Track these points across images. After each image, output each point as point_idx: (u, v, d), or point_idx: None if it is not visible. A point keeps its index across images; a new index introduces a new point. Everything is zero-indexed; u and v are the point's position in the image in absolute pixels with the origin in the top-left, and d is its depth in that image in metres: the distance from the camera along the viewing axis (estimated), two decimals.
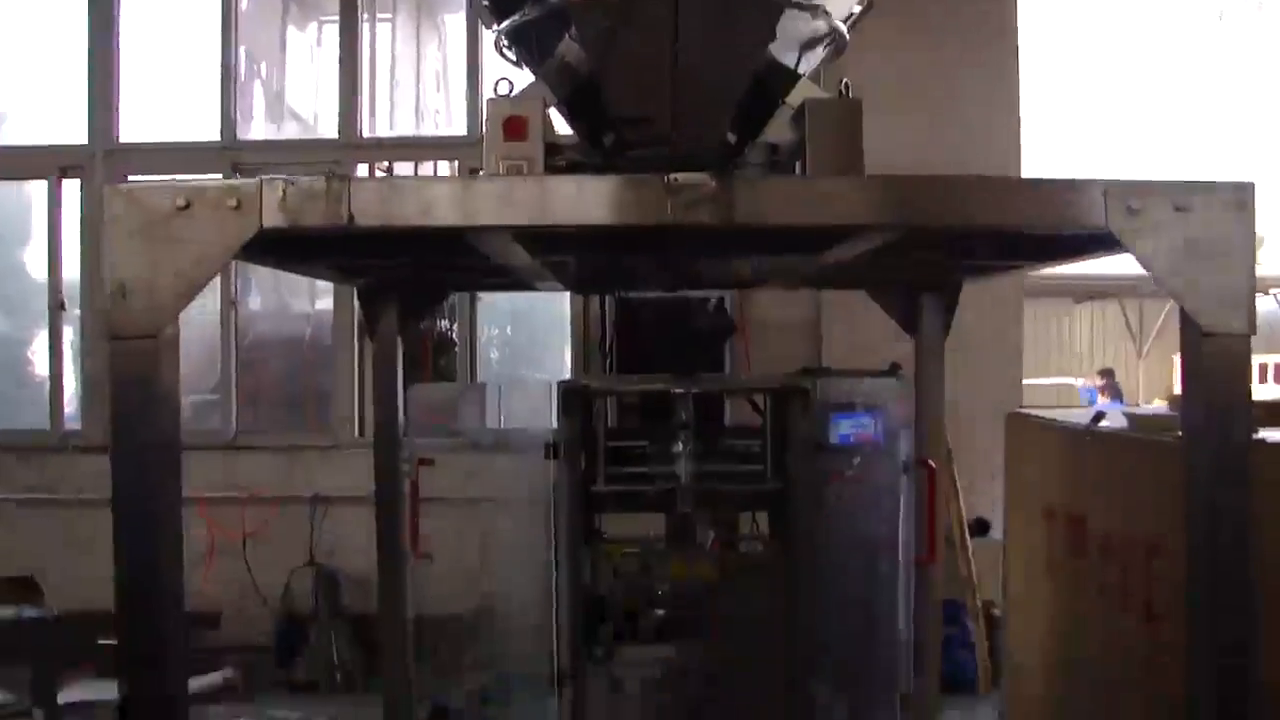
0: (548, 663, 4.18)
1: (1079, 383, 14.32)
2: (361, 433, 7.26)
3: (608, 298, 5.17)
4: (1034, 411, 5.51)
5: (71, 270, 7.37)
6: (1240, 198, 2.89)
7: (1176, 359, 14.13)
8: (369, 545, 5.90)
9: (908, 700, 4.12)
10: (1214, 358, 2.96)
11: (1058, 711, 4.78)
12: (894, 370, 4.21)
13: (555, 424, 4.09)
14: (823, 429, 4.07)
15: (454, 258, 4.33)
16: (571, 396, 4.09)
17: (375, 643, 6.16)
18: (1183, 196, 2.84)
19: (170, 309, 2.83)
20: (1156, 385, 16.61)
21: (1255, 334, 2.98)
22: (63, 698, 5.47)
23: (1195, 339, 2.98)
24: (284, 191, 2.71)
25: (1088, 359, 17.58)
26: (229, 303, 7.36)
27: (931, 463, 4.15)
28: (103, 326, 2.82)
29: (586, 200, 2.62)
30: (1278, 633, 3.34)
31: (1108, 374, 13.75)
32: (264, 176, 2.68)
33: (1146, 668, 3.90)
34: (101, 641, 5.12)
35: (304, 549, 6.96)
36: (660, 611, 4.14)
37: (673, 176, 2.42)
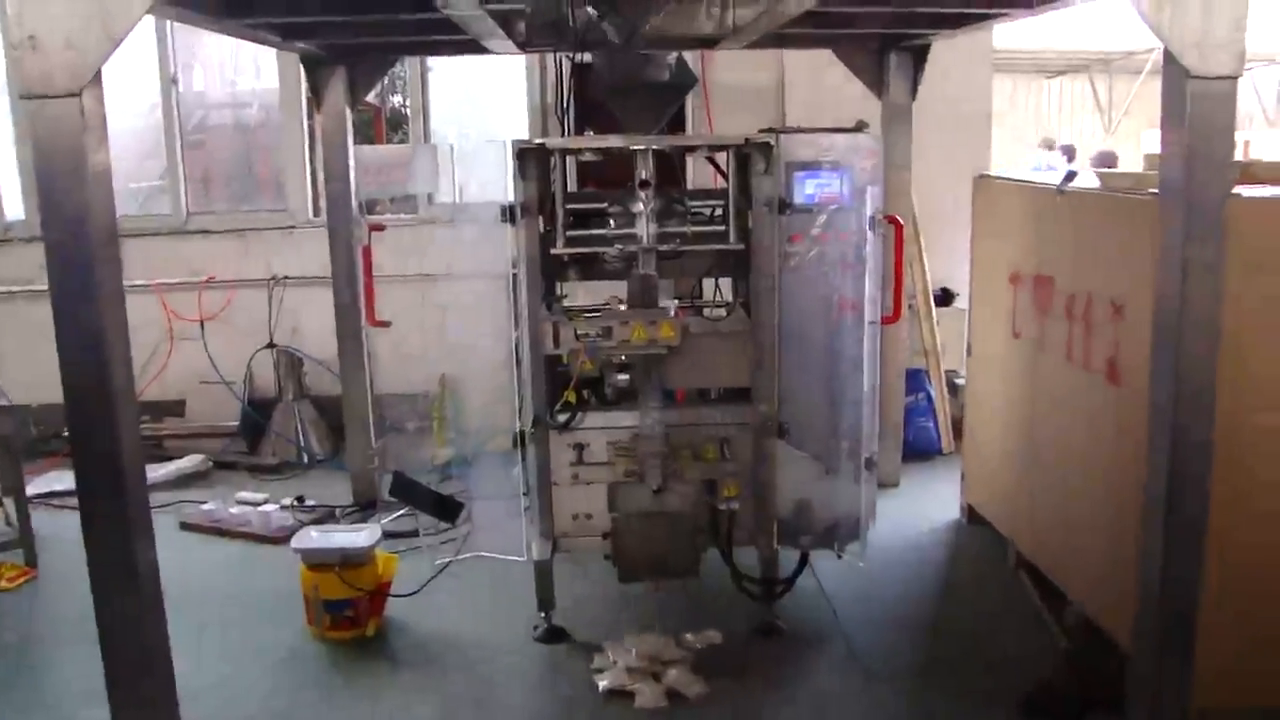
0: (509, 434, 4.18)
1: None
2: (317, 213, 7.08)
3: (564, 65, 4.95)
4: (1002, 174, 5.41)
5: None
6: None
7: (1144, 135, 13.89)
8: (330, 326, 5.87)
9: (873, 462, 4.15)
10: (1198, 101, 2.82)
11: (1016, 468, 4.86)
12: (860, 127, 4.06)
13: (512, 187, 3.96)
14: (787, 188, 3.96)
15: (398, 7, 4.11)
16: (527, 156, 3.94)
17: (340, 424, 6.19)
18: None
19: (91, 63, 2.61)
20: (1123, 162, 16.50)
21: (1241, 77, 2.86)
22: (32, 489, 5.48)
23: (1178, 81, 2.83)
24: None
25: (1057, 135, 17.38)
26: (169, 80, 7.01)
27: (899, 218, 4.07)
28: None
29: None
30: (1256, 384, 3.35)
31: (1068, 150, 13.51)
32: None
33: (1106, 426, 3.94)
34: (66, 434, 5.13)
35: (264, 332, 6.87)
36: (624, 377, 4.13)
37: None
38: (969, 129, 6.81)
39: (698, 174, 5.67)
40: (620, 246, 4.09)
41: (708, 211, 4.38)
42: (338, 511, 5.74)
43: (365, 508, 5.77)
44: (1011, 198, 4.96)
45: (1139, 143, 15.05)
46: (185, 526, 5.60)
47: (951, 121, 6.55)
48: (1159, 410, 3.00)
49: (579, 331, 3.98)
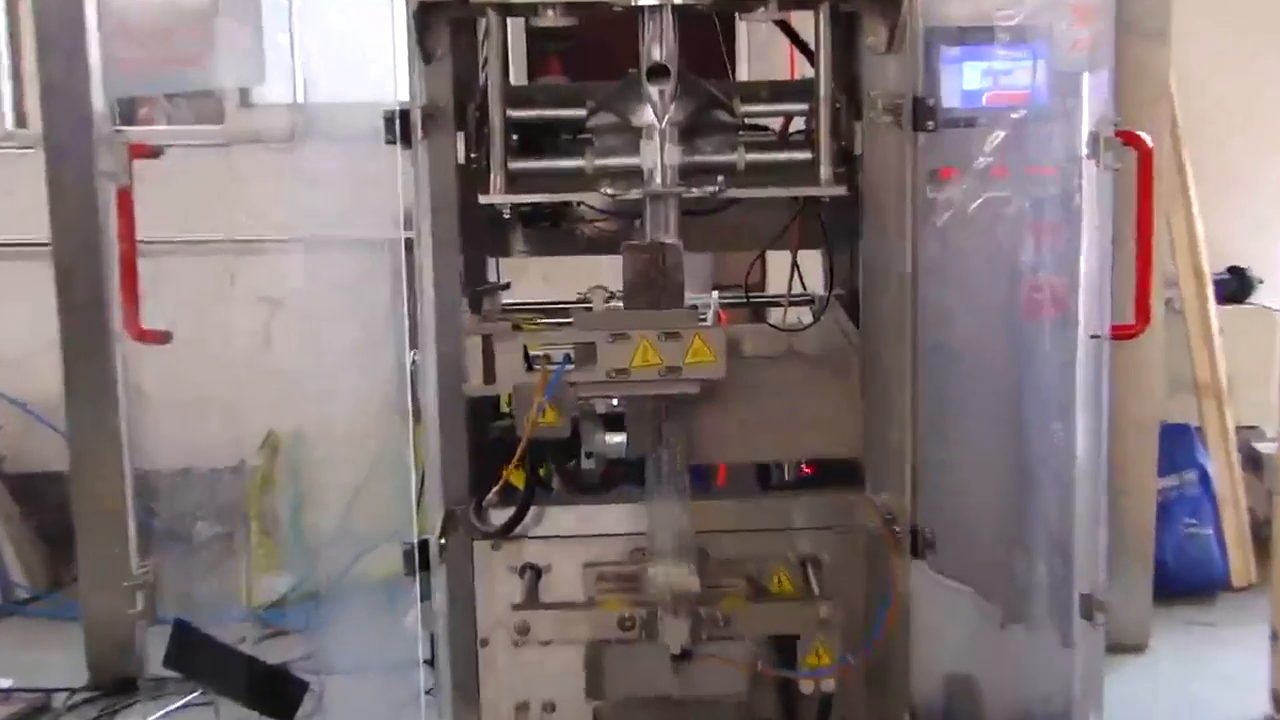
0: (397, 549, 4.24)
1: None
2: (21, 120, 7.21)
3: None
4: None
5: None
6: None
7: None
8: (46, 338, 5.93)
9: (1097, 605, 4.18)
10: None
11: None
12: None
13: (406, 78, 4.05)
14: (930, 79, 4.07)
15: None
16: (434, 16, 4.01)
17: (65, 529, 6.24)
18: None
19: None
20: None
21: None
22: None
23: None
24: None
25: None
26: None
27: (1143, 137, 4.14)
28: None
29: None
30: None
31: None
32: None
33: None
34: None
35: None
36: (616, 440, 4.25)
37: None
38: None
39: (757, 54, 5.80)
40: (610, 190, 4.19)
41: (775, 124, 4.48)
42: (59, 700, 5.82)
43: (115, 692, 5.84)
44: None
45: None
46: None
47: None
48: None
49: (532, 352, 4.08)
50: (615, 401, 4.15)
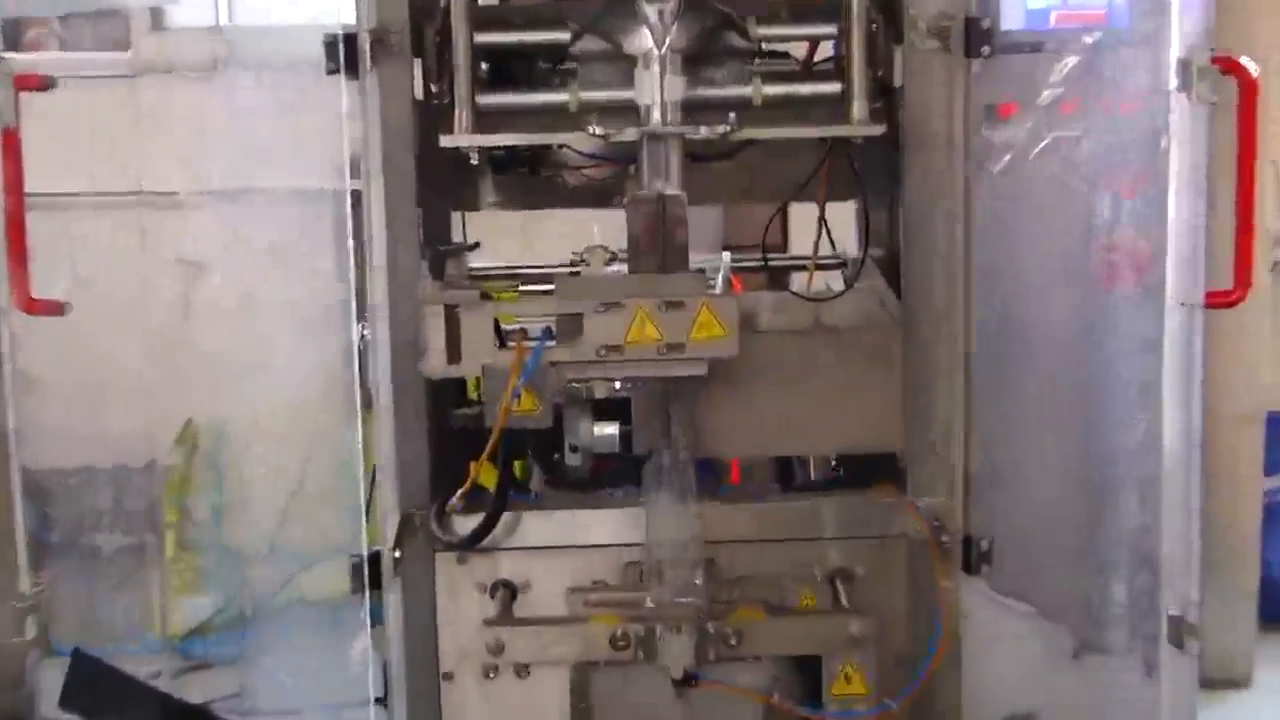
0: (343, 563, 4.23)
1: None
2: None
3: None
4: None
5: None
6: None
7: None
8: None
9: (1189, 629, 4.17)
10: None
11: None
12: None
13: None
14: None
15: None
16: None
17: None
18: None
19: None
20: None
21: None
22: None
23: None
24: None
25: None
26: None
27: (1246, 65, 4.13)
28: None
29: None
30: None
31: None
32: None
33: None
34: None
35: None
36: (607, 430, 4.25)
37: None
38: None
39: None
40: (599, 130, 4.17)
41: (799, 50, 4.46)
42: None
43: None
44: None
45: None
46: None
47: None
48: None
49: (505, 326, 4.06)
50: (619, 385, 4.13)
